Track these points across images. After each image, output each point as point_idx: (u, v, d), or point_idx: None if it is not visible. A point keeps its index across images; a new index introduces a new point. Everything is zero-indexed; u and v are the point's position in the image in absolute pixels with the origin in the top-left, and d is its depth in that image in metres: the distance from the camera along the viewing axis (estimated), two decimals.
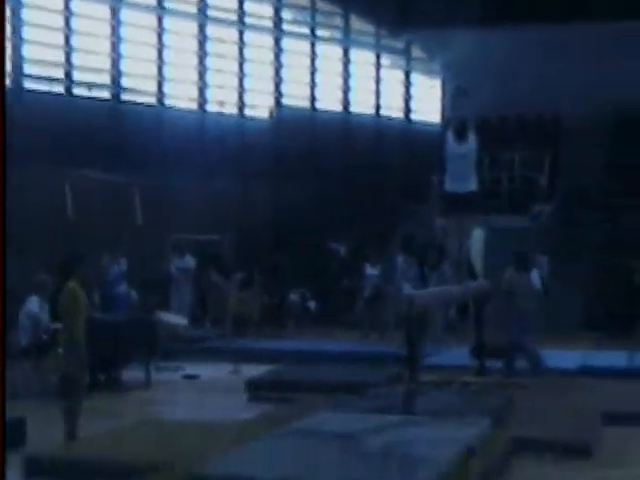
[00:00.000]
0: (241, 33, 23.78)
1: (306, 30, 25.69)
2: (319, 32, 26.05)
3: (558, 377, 12.47)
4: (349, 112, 26.50)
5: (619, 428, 9.54)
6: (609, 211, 22.54)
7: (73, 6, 19.89)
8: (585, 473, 7.76)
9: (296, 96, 25.34)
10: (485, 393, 10.74)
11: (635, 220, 21.36)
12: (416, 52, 28.51)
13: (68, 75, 20.02)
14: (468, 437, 7.77)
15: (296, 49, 25.26)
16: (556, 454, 8.28)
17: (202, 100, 22.76)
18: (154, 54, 21.66)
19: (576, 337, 17.45)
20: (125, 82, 21.17)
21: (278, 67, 24.70)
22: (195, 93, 22.67)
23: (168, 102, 22.00)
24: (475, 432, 8.02)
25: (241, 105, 23.75)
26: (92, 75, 20.73)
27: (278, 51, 24.68)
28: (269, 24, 24.47)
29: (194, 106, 22.60)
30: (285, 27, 25.04)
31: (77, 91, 20.23)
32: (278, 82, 24.72)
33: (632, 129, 25.76)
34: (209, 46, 22.93)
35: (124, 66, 21.03)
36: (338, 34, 26.51)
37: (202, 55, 22.73)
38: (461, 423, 8.34)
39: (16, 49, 18.70)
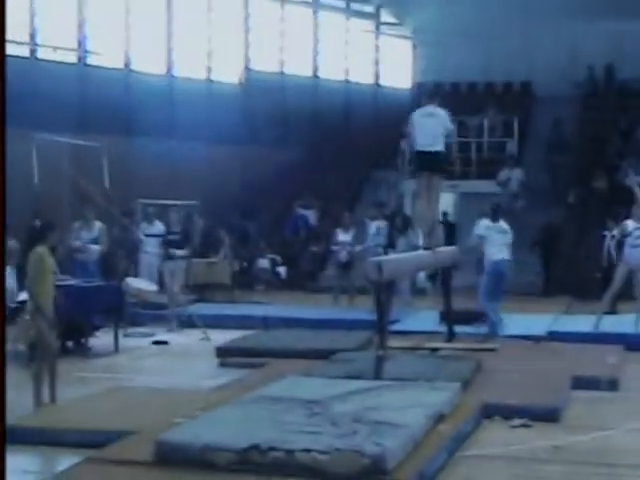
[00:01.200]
0: None
1: None
2: None
3: (527, 341, 12.56)
4: (318, 77, 26.37)
5: (587, 392, 9.61)
6: (578, 176, 22.65)
7: None
8: (552, 438, 7.80)
9: (265, 60, 25.14)
10: (454, 358, 10.77)
11: (604, 186, 21.48)
12: (386, 16, 28.38)
13: (33, 38, 19.74)
14: (437, 402, 7.80)
15: (265, 12, 25.04)
16: (525, 419, 8.32)
17: (170, 64, 22.54)
18: (122, 18, 21.40)
19: (545, 301, 17.59)
20: (92, 46, 20.91)
21: (247, 31, 24.49)
22: (163, 57, 22.45)
23: (136, 66, 21.76)
24: (444, 397, 8.05)
25: (210, 69, 23.56)
26: (58, 39, 20.45)
27: (247, 14, 24.47)
28: None
29: (162, 70, 22.39)
30: None
31: (43, 54, 19.98)
32: (247, 46, 24.52)
33: (604, 96, 25.85)
34: (177, 10, 22.69)
35: (91, 30, 20.77)
36: None
37: (170, 19, 22.49)
38: (430, 388, 8.36)
39: None
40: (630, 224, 13.45)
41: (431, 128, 10.88)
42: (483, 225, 14.27)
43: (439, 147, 10.94)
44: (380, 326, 9.53)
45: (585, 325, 13.66)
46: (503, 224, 13.83)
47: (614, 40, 25.26)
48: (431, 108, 11.17)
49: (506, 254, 13.55)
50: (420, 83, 27.65)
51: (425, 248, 11.24)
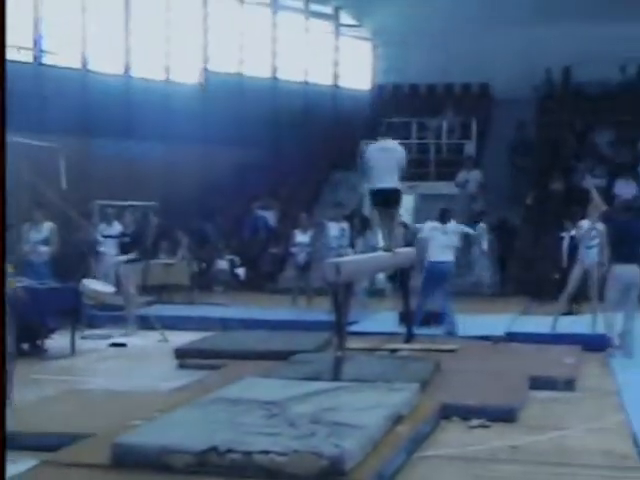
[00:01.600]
0: None
1: None
2: None
3: (485, 342, 12.63)
4: (277, 78, 26.35)
5: (545, 392, 9.67)
6: (536, 178, 22.83)
7: None
8: (510, 438, 7.85)
9: (224, 61, 25.08)
10: (413, 359, 10.80)
11: (561, 187, 21.66)
12: (346, 18, 28.42)
13: None
14: (396, 403, 7.81)
15: (224, 13, 24.98)
16: (483, 419, 8.35)
17: (128, 64, 22.40)
18: (78, 17, 21.23)
19: (503, 302, 17.70)
20: (48, 45, 20.72)
21: (205, 31, 24.41)
22: (121, 57, 22.30)
23: (93, 66, 21.60)
24: (403, 398, 8.06)
25: (168, 69, 23.45)
26: (13, 37, 20.25)
27: (205, 15, 24.39)
28: None
29: (120, 70, 22.25)
30: None
31: None
32: (205, 46, 24.44)
33: (560, 98, 26.09)
34: (135, 9, 22.55)
35: (47, 29, 20.58)
36: None
37: (128, 18, 22.35)
38: (389, 389, 8.37)
39: None
40: (585, 225, 13.55)
41: (386, 165, 10.94)
42: (428, 226, 14.38)
43: (393, 184, 11.03)
44: (338, 327, 9.54)
45: (542, 326, 13.78)
46: (452, 226, 14.07)
47: (572, 43, 25.46)
48: (387, 143, 11.28)
49: (448, 256, 13.76)
50: (380, 85, 27.79)
51: (384, 250, 11.31)
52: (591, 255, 13.14)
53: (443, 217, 14.17)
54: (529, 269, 20.02)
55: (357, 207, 20.06)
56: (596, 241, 13.23)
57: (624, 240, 11.90)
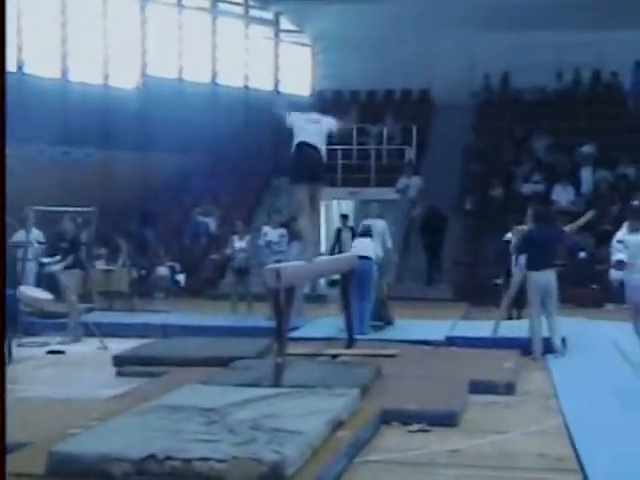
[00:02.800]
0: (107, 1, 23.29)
1: None
2: (187, 0, 25.73)
3: (426, 347, 12.70)
4: (218, 83, 26.31)
5: (485, 396, 9.74)
6: (475, 184, 23.03)
7: None
8: (450, 442, 7.90)
9: (164, 66, 24.98)
10: (353, 364, 10.81)
11: (500, 193, 21.87)
12: (286, 23, 28.46)
13: None
14: (336, 408, 7.82)
15: (163, 17, 24.89)
16: (423, 423, 8.39)
17: (65, 69, 22.20)
18: (14, 21, 20.98)
19: (445, 307, 17.80)
20: None
21: (144, 36, 24.29)
22: (58, 61, 22.10)
23: (29, 70, 21.37)
24: (343, 403, 8.07)
25: (107, 74, 23.28)
26: None
27: (144, 20, 24.27)
28: None
29: (57, 75, 22.04)
30: None
31: None
32: (144, 51, 24.32)
33: (499, 105, 26.38)
34: (72, 13, 22.36)
35: None
36: (206, 3, 26.25)
37: (64, 22, 22.15)
38: (329, 394, 8.38)
39: None
40: (521, 229, 13.66)
41: (313, 136, 10.26)
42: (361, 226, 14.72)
43: (323, 160, 10.37)
44: (279, 333, 9.53)
45: (483, 331, 13.89)
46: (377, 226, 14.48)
47: (510, 50, 25.77)
48: (317, 115, 10.67)
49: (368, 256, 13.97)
50: (320, 91, 27.85)
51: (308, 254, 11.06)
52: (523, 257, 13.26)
53: (367, 217, 14.82)
54: (469, 274, 20.20)
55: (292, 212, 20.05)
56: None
57: (539, 247, 12.12)
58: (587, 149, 22.69)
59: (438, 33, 26.25)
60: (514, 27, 25.10)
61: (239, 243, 16.97)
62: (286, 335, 9.81)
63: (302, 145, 10.20)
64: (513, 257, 13.73)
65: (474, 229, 21.39)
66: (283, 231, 16.01)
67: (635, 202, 10.95)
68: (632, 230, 9.77)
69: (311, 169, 10.14)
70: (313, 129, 10.24)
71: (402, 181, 22.17)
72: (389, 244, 15.48)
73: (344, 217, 20.06)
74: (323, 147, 10.30)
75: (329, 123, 10.49)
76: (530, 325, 12.55)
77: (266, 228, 16.29)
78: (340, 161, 23.01)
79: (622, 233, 11.14)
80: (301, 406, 7.76)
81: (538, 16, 24.49)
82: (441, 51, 26.77)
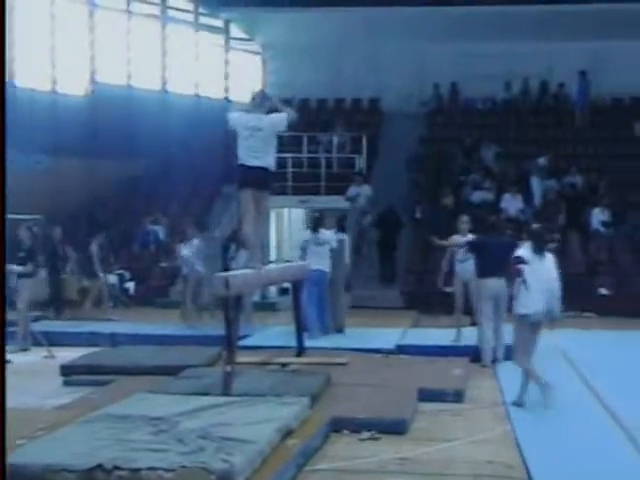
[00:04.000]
0: (54, 5, 23.10)
1: (123, 4, 25.21)
2: (135, 7, 25.61)
3: (376, 355, 12.73)
4: (167, 90, 26.20)
5: (434, 404, 9.78)
6: (425, 192, 23.14)
7: None
8: (399, 450, 7.91)
9: (113, 73, 24.82)
10: (303, 373, 10.80)
11: (450, 202, 21.95)
12: (236, 31, 28.44)
13: None
14: (285, 417, 7.81)
15: (112, 23, 24.73)
16: (372, 431, 8.41)
17: (12, 74, 21.95)
18: None
19: (395, 315, 17.84)
20: None
21: (92, 42, 24.12)
22: (6, 67, 21.86)
23: None
24: (293, 412, 8.06)
25: (55, 80, 23.08)
26: None
27: (92, 26, 24.10)
28: None
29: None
30: (99, 1, 24.50)
31: None
32: (93, 58, 24.14)
33: (449, 113, 26.58)
34: (19, 19, 22.14)
35: None
36: (155, 10, 26.16)
37: (11, 27, 21.91)
38: (279, 403, 8.37)
39: None
40: (456, 238, 13.76)
41: (257, 140, 9.81)
42: (304, 237, 14.70)
43: (265, 163, 9.86)
44: (229, 341, 9.48)
45: (433, 339, 13.99)
46: (324, 235, 14.42)
47: (460, 60, 26.01)
48: (259, 119, 9.90)
49: (323, 265, 14.15)
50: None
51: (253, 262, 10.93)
52: (466, 268, 13.32)
53: (315, 226, 14.53)
54: (419, 283, 20.26)
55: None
56: (469, 254, 13.41)
57: (490, 255, 12.22)
58: (542, 161, 22.92)
59: (388, 42, 26.38)
60: (464, 37, 25.32)
61: (187, 251, 16.89)
62: (236, 343, 9.76)
63: (244, 168, 9.92)
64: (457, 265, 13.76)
65: (424, 237, 21.42)
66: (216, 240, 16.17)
67: (534, 225, 11.06)
68: (536, 253, 9.86)
69: (257, 175, 9.88)
70: (257, 137, 9.85)
71: (352, 190, 22.21)
72: (346, 258, 15.67)
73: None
74: (267, 154, 9.90)
75: (273, 123, 9.94)
76: (479, 333, 12.63)
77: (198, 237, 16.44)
78: (290, 169, 23.01)
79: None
80: (251, 415, 7.74)
81: (488, 27, 24.73)
82: (391, 60, 26.93)
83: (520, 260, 9.77)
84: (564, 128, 25.29)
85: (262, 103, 10.16)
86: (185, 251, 16.83)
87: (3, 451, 4.11)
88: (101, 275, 18.29)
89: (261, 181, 9.94)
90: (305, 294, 13.31)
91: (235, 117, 10.08)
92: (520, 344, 9.87)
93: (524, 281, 9.64)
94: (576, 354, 13.06)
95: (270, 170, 9.96)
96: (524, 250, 9.88)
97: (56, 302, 18.01)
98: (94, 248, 18.19)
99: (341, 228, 15.92)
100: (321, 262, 14.19)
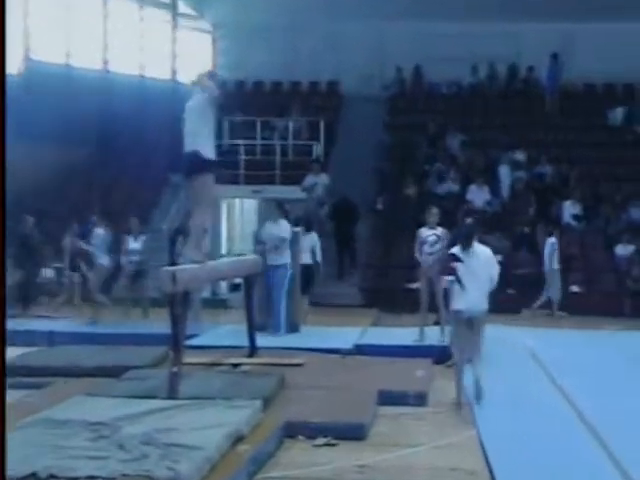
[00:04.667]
0: None
1: None
2: None
3: (334, 356, 12.73)
4: (110, 71, 25.96)
5: (395, 408, 9.79)
6: (387, 182, 23.16)
7: None
8: (358, 457, 7.92)
9: (50, 51, 24.51)
10: (256, 374, 10.79)
11: (414, 192, 22.03)
12: (184, 8, 28.27)
13: None
14: (236, 421, 7.79)
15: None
16: (329, 437, 8.40)
17: None
18: None
19: (354, 313, 17.87)
20: None
21: (27, 17, 23.81)
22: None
23: None
24: (243, 416, 8.04)
25: None
26: None
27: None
28: None
29: None
30: None
31: None
32: (27, 35, 23.84)
33: (412, 98, 26.63)
34: None
35: None
36: None
37: None
38: (228, 407, 8.34)
39: None
40: (424, 231, 13.80)
41: (194, 124, 9.83)
42: (266, 230, 14.88)
43: (201, 148, 9.81)
44: (175, 341, 9.44)
45: (394, 338, 14.03)
46: (284, 227, 14.56)
47: (424, 41, 26.06)
48: (197, 100, 9.97)
49: (279, 259, 14.39)
50: (221, 81, 27.69)
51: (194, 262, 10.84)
52: (432, 262, 13.38)
53: (275, 216, 14.71)
54: (380, 278, 20.31)
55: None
56: (437, 247, 13.48)
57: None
58: (519, 156, 23.06)
59: (348, 21, 26.39)
60: (428, 16, 25.39)
61: (134, 244, 16.80)
62: (183, 343, 9.73)
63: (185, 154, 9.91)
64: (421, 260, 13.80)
65: (386, 230, 21.51)
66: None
67: (469, 220, 11.08)
68: (464, 250, 10.12)
69: (201, 162, 9.85)
70: (199, 121, 9.86)
71: (309, 179, 22.19)
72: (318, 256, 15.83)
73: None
74: (205, 138, 9.90)
75: (206, 100, 9.92)
76: (444, 330, 12.70)
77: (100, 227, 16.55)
78: (243, 157, 22.96)
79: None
80: (199, 419, 7.72)
81: (453, 6, 24.84)
82: (351, 40, 26.93)
83: (455, 258, 10.05)
84: (534, 115, 25.43)
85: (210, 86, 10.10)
86: (133, 244, 16.76)
87: (3, 450, 4.09)
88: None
89: (196, 167, 9.87)
90: (275, 288, 13.65)
91: (188, 105, 10.11)
92: (455, 340, 10.38)
93: (458, 279, 10.02)
94: (545, 354, 13.19)
95: (206, 155, 9.86)
96: (457, 248, 10.17)
97: (24, 297, 17.89)
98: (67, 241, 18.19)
99: (305, 222, 16.10)
100: (279, 256, 14.42)
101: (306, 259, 15.95)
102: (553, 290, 18.67)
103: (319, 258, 16.40)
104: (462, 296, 10.01)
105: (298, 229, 15.55)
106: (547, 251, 18.62)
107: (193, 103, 9.98)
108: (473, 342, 10.16)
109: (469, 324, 10.05)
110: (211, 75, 10.44)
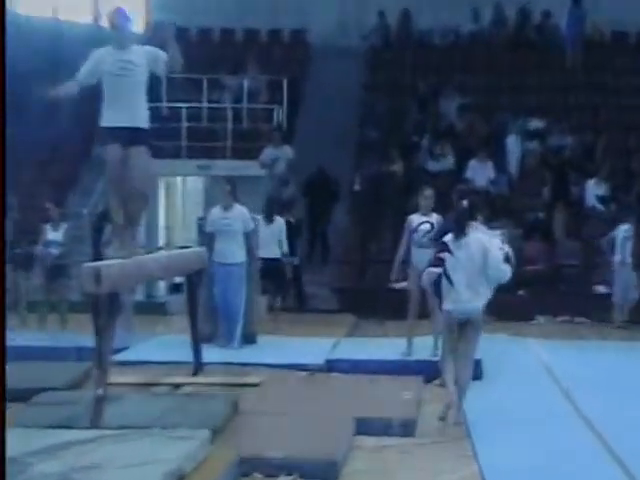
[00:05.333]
0: None
1: None
2: None
3: (300, 373, 12.78)
4: (17, 14, 25.76)
5: (376, 439, 9.79)
6: (366, 156, 23.14)
7: None
8: None
9: None
10: (203, 397, 10.81)
11: (400, 169, 22.04)
12: None
13: None
14: (177, 457, 7.78)
15: None
16: (293, 476, 8.41)
17: None
18: None
19: (325, 320, 17.89)
20: None
21: None
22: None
23: None
24: (187, 450, 8.04)
25: None
26: None
27: None
28: None
29: None
30: None
31: None
32: None
33: (398, 51, 26.61)
34: None
35: None
36: None
37: None
38: (168, 438, 8.33)
39: None
40: (415, 218, 13.80)
41: (120, 88, 9.73)
42: (213, 216, 14.84)
43: (130, 112, 9.80)
44: (100, 355, 9.39)
45: (374, 351, 14.08)
46: (238, 214, 14.61)
47: None
48: (131, 52, 9.88)
49: (236, 256, 14.46)
50: (157, 23, 27.49)
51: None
52: (426, 257, 13.35)
53: (226, 200, 14.69)
54: (358, 278, 20.29)
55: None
56: (432, 235, 13.48)
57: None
58: (533, 124, 23.08)
59: None
60: None
61: (53, 234, 16.74)
62: (110, 358, 9.70)
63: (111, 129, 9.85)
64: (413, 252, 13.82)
65: (365, 217, 21.45)
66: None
67: (464, 202, 11.19)
68: (456, 239, 10.27)
69: (131, 131, 9.82)
70: (127, 83, 9.77)
71: (268, 152, 22.12)
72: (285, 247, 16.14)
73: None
74: (140, 110, 9.89)
75: (150, 59, 9.90)
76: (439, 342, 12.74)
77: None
78: (185, 124, 22.90)
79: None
80: (129, 454, 7.70)
81: None
82: None
83: (444, 248, 10.15)
84: (550, 72, 25.43)
85: (124, 29, 10.06)
86: (52, 234, 16.70)
87: (3, 450, 4.12)
88: None
89: (125, 137, 9.83)
90: (226, 290, 13.74)
91: (100, 54, 9.92)
92: (445, 343, 10.65)
93: (446, 274, 10.22)
94: (562, 372, 13.22)
95: (136, 122, 9.88)
96: (450, 236, 10.27)
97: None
98: None
99: (267, 207, 16.46)
100: (237, 252, 14.48)
101: (271, 253, 15.98)
102: (624, 291, 18.62)
103: (286, 248, 16.43)
104: (451, 294, 10.20)
105: (258, 216, 15.54)
106: (619, 239, 18.58)
107: (125, 76, 9.81)
108: (462, 354, 10.30)
109: (462, 327, 10.22)
110: (119, 14, 10.21)
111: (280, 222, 16.50)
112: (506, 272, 10.42)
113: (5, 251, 4.24)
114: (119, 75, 9.73)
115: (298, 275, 19.23)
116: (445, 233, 12.10)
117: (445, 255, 10.19)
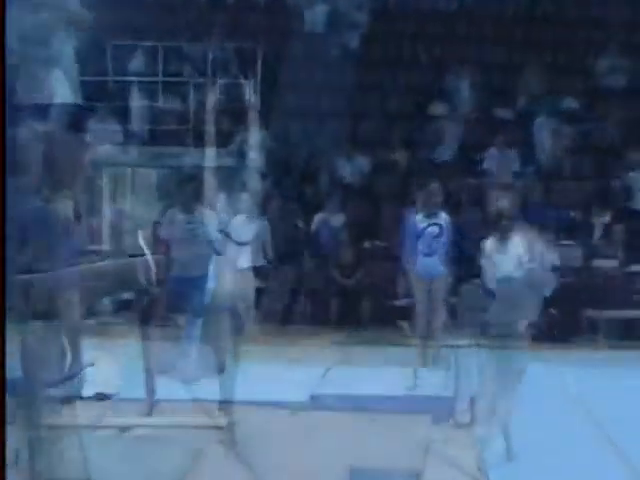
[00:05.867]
0: None
1: None
2: None
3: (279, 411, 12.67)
4: None
5: None
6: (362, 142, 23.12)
7: None
8: None
9: None
10: (157, 442, 10.81)
11: (403, 158, 22.03)
12: None
13: None
14: None
15: None
16: None
17: None
18: None
19: (310, 342, 17.80)
20: None
21: None
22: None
23: None
24: None
25: None
26: None
27: None
28: None
29: None
30: None
31: None
32: None
33: (397, 14, 26.59)
34: None
35: None
36: None
37: None
38: None
39: None
40: (419, 219, 14.02)
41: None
42: (169, 218, 14.79)
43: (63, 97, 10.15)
44: (27, 389, 9.23)
45: (370, 383, 13.97)
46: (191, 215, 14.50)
47: None
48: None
49: (198, 268, 14.31)
50: None
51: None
52: (431, 262, 13.47)
53: (187, 204, 14.52)
54: (351, 291, 20.20)
55: None
56: (441, 240, 13.53)
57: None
58: (566, 103, 23.02)
59: None
60: None
61: None
62: (42, 393, 9.51)
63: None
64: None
65: (358, 215, 21.41)
66: None
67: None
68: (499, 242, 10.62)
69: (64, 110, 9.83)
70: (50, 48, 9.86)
71: (239, 137, 22.02)
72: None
73: None
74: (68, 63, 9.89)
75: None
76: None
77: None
78: (137, 103, 22.72)
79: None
80: None
81: None
82: None
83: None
84: (585, 40, 25.27)
85: None
86: None
87: (3, 451, 5.20)
88: None
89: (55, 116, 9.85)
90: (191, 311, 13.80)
91: None
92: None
93: (484, 287, 10.83)
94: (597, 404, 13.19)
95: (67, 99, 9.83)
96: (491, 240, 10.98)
97: None
98: None
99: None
100: (200, 262, 14.29)
101: (250, 260, 15.94)
102: None
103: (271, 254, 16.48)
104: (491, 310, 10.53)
105: (227, 217, 15.54)
106: None
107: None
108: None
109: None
110: None
111: (262, 223, 16.50)
112: (552, 282, 10.63)
113: (5, 250, 4.41)
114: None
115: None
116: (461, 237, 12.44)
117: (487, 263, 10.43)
